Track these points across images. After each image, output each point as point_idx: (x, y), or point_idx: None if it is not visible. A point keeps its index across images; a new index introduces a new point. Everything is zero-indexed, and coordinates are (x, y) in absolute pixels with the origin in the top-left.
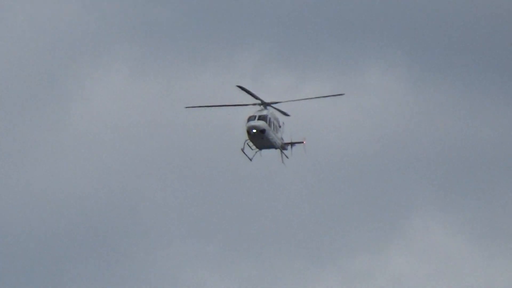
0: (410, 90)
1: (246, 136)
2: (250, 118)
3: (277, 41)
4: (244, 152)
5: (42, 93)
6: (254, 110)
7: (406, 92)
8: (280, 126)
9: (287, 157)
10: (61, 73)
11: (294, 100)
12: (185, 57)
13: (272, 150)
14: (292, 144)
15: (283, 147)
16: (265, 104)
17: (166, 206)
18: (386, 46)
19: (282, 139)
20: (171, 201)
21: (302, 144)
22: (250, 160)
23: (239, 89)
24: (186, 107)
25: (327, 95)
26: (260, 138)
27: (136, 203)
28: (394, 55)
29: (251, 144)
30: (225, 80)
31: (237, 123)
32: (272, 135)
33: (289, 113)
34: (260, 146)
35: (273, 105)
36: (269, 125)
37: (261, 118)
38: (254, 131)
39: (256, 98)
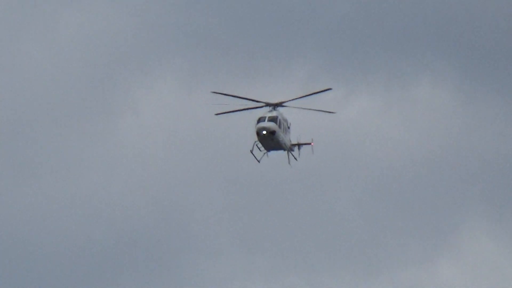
0: (460, 103)
1: (255, 137)
2: (260, 119)
3: (327, 54)
4: (253, 154)
5: (94, 106)
6: (264, 111)
7: (456, 105)
8: (288, 127)
9: (295, 158)
10: (111, 86)
11: (299, 108)
12: (237, 69)
13: (280, 152)
14: (299, 145)
15: (290, 148)
16: (273, 106)
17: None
18: (436, 60)
19: (290, 140)
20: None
21: (310, 145)
22: (258, 161)
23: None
24: (212, 92)
25: (315, 91)
26: (269, 140)
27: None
28: (444, 69)
29: (260, 145)
30: (276, 92)
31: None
32: (282, 136)
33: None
34: (269, 148)
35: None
36: (279, 126)
37: (271, 119)
38: (264, 132)
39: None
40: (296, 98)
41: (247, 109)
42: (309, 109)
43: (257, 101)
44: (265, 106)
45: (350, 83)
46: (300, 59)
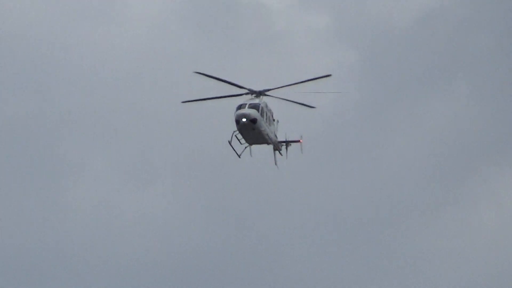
0: None
1: (234, 127)
2: (240, 106)
3: None
4: (231, 146)
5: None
6: (245, 99)
7: None
8: (274, 120)
9: (281, 155)
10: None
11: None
12: None
13: (265, 147)
14: (287, 143)
15: (277, 146)
16: (257, 93)
17: None
18: None
19: (275, 136)
20: None
21: (299, 143)
22: (238, 156)
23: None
24: (195, 72)
25: (314, 77)
26: (250, 129)
27: None
28: None
29: (240, 136)
30: None
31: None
32: (265, 126)
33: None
34: (250, 140)
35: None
36: (262, 115)
37: (253, 106)
38: (244, 120)
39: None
40: (287, 85)
41: (227, 96)
42: (290, 100)
43: (240, 87)
44: (248, 93)
45: None
46: None
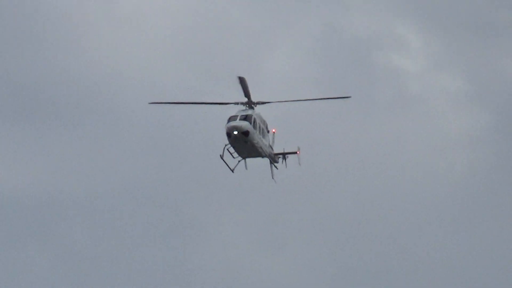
0: None
1: (226, 140)
2: (231, 118)
3: None
4: (223, 160)
5: None
6: (237, 110)
7: None
8: (268, 132)
9: (277, 168)
10: None
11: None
12: None
13: (259, 160)
14: (284, 155)
15: (273, 158)
16: (250, 104)
17: None
18: None
19: (271, 148)
20: None
21: (296, 154)
22: (232, 171)
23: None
24: (150, 103)
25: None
26: (243, 142)
27: None
28: None
29: (232, 150)
30: None
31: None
32: (257, 139)
33: None
34: (243, 154)
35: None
36: (254, 127)
37: (245, 118)
38: (236, 133)
39: (248, 97)
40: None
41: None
42: (322, 98)
43: (225, 103)
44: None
45: None
46: None
